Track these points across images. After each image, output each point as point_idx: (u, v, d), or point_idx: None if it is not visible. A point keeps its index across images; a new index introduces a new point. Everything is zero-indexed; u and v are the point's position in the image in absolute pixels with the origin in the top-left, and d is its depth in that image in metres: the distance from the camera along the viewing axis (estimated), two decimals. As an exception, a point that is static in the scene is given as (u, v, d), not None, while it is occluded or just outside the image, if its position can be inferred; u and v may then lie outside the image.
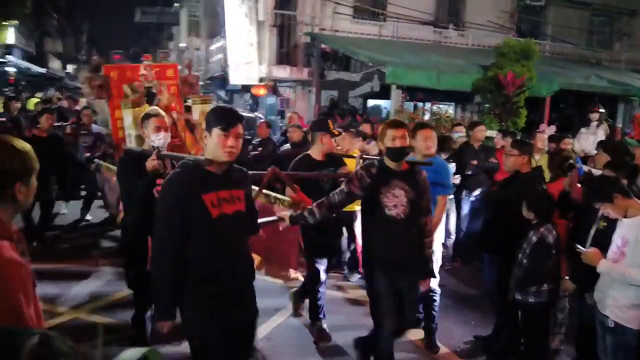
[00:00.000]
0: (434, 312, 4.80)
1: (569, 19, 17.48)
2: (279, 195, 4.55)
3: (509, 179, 4.78)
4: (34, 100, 15.48)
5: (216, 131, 2.73)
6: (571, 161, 5.22)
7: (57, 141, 7.35)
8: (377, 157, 4.32)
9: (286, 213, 3.89)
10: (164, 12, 29.31)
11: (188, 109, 6.43)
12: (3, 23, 19.28)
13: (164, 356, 1.08)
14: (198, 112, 5.82)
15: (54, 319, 4.75)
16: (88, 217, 8.22)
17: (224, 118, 2.80)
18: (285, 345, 4.66)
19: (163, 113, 4.13)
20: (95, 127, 8.42)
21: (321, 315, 4.85)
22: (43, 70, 26.45)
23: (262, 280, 5.00)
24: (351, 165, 5.17)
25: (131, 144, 5.17)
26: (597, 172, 4.97)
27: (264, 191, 4.46)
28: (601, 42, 18.58)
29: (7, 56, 20.94)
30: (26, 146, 1.90)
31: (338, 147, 7.07)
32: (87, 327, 4.59)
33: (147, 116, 4.08)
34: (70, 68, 42.36)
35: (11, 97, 13.10)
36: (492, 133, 9.39)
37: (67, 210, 8.45)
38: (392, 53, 12.52)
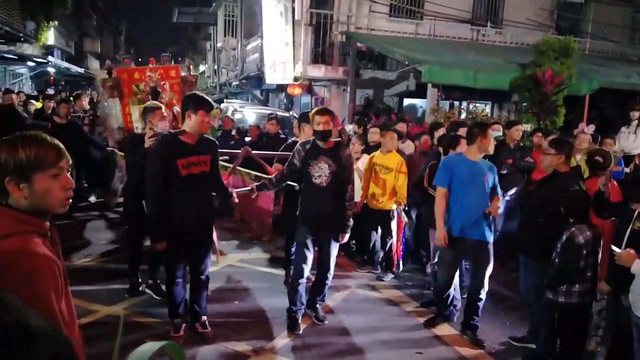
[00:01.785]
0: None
1: (610, 16, 17.07)
2: (258, 173, 6.15)
3: (546, 178, 4.74)
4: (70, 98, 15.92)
5: (201, 112, 4.09)
6: (608, 162, 5.13)
7: (76, 126, 8.63)
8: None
9: (254, 184, 5.15)
10: (201, 13, 29.65)
11: None
12: (45, 24, 19.79)
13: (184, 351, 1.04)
14: None
15: (88, 316, 4.79)
16: (91, 198, 9.38)
17: (207, 103, 4.17)
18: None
19: (162, 106, 5.28)
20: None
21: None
22: (82, 70, 27.09)
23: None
24: (389, 176, 6.29)
25: (137, 131, 6.51)
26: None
27: (247, 170, 6.38)
28: (643, 39, 18.10)
29: (47, 57, 21.54)
30: (55, 141, 1.83)
31: (373, 143, 7.13)
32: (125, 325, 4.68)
33: (152, 109, 5.10)
34: (96, 73, 43.32)
35: (47, 97, 13.54)
36: (527, 127, 9.29)
37: (94, 198, 9.41)
38: (429, 51, 12.46)
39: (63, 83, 26.19)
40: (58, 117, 8.56)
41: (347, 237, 4.91)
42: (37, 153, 1.78)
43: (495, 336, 5.02)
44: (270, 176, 5.35)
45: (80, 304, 4.85)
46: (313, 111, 4.82)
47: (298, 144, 5.01)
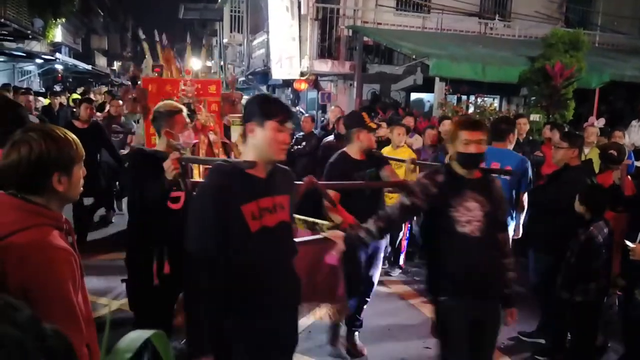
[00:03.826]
0: None
1: (620, 8, 16.87)
2: (317, 220, 3.84)
3: (557, 172, 4.67)
4: (75, 95, 15.93)
5: (272, 124, 2.35)
6: (621, 156, 5.07)
7: (99, 130, 7.04)
8: (429, 163, 4.22)
9: (338, 232, 3.24)
10: (207, 9, 29.61)
11: (226, 129, 6.24)
12: (52, 21, 19.84)
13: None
14: (237, 134, 5.00)
15: (97, 311, 4.74)
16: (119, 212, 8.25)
17: (281, 110, 2.44)
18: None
19: (183, 108, 3.66)
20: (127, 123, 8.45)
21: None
22: (89, 67, 27.19)
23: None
24: (399, 171, 5.12)
25: None
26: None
27: (298, 216, 3.76)
28: (654, 32, 17.89)
29: (55, 54, 21.60)
30: (68, 134, 1.90)
31: (381, 137, 7.07)
32: (129, 320, 4.70)
33: (172, 112, 3.51)
34: (115, 65, 43.43)
35: (54, 93, 13.58)
36: (535, 117, 9.20)
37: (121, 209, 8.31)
38: (436, 45, 12.36)
39: (71, 80, 26.30)
40: (78, 120, 7.05)
41: (515, 314, 3.38)
42: (76, 147, 1.91)
43: (504, 331, 4.96)
44: (363, 225, 3.24)
45: (89, 299, 4.84)
46: (455, 123, 3.32)
47: (421, 174, 3.32)
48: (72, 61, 24.52)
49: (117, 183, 8.29)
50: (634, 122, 8.98)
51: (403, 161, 4.81)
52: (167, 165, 3.11)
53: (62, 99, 13.93)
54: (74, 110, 9.06)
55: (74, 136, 1.93)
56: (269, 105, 2.46)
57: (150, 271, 3.46)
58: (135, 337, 1.06)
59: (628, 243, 3.54)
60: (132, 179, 3.54)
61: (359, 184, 4.16)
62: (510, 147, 4.97)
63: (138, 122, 7.40)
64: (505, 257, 3.21)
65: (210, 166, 3.13)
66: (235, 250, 2.37)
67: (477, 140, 3.02)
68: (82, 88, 19.22)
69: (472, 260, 3.02)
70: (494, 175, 3.48)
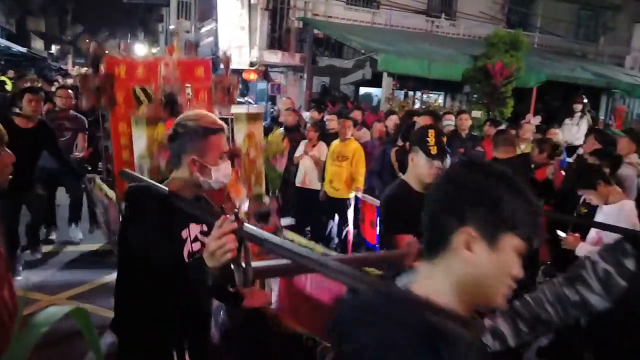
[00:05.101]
0: None
1: (558, 12, 17.71)
2: None
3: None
4: (2, 78, 14.73)
5: (513, 241, 1.13)
6: (561, 148, 5.44)
7: (48, 133, 5.42)
8: None
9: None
10: (153, -7, 28.98)
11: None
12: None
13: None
14: (242, 135, 3.83)
15: (30, 306, 4.63)
16: (79, 235, 6.58)
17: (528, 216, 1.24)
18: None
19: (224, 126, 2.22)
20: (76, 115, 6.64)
21: None
22: (24, 49, 26.04)
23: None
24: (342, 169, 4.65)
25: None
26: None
27: None
28: (587, 35, 18.86)
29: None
30: None
31: (331, 130, 7.25)
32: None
33: (207, 130, 2.13)
34: (54, 49, 41.72)
35: None
36: (476, 114, 9.63)
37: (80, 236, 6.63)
38: (385, 41, 12.66)
39: (3, 62, 25.05)
40: (21, 117, 5.19)
41: None
42: None
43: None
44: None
45: (22, 294, 4.63)
46: None
47: (595, 257, 2.06)
48: (4, 43, 23.39)
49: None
50: (567, 120, 9.49)
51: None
52: (216, 244, 1.59)
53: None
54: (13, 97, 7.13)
55: None
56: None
57: None
58: (53, 311, 0.95)
59: (560, 233, 3.83)
60: (134, 240, 2.05)
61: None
62: None
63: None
64: None
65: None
66: None
67: None
68: (13, 71, 17.80)
69: None
70: None
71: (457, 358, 1.06)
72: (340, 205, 6.62)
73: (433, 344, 1.05)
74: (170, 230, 2.05)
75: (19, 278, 5.21)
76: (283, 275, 2.27)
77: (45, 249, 6.17)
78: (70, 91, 6.80)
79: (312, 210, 6.80)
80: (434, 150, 2.90)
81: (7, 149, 1.86)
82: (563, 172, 5.25)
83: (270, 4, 14.74)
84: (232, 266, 1.58)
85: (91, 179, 5.02)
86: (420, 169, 2.96)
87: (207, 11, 20.39)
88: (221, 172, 2.15)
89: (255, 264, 1.62)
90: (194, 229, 2.15)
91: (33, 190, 5.34)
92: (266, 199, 3.39)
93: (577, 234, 3.72)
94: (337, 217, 6.71)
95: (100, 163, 5.06)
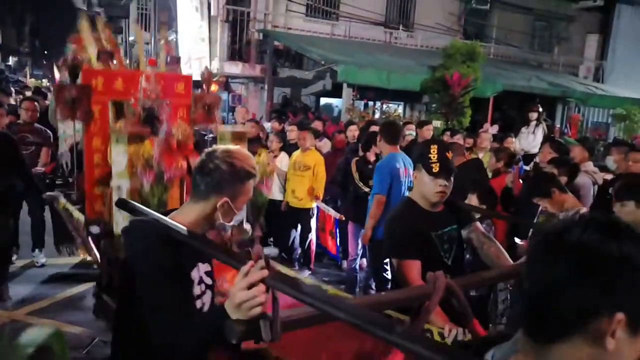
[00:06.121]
0: None
1: (513, 23, 18.13)
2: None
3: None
4: None
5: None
6: (518, 156, 5.55)
7: (9, 145, 5.19)
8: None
9: None
10: (112, 5, 28.55)
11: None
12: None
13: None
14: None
15: None
16: (42, 259, 6.27)
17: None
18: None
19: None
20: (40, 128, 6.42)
21: None
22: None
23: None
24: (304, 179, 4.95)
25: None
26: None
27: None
28: (542, 45, 19.36)
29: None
30: None
31: (292, 140, 7.24)
32: (22, 330, 4.49)
33: (251, 175, 2.00)
34: (11, 61, 40.73)
35: None
36: (436, 123, 9.75)
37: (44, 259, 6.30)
38: (344, 52, 12.74)
39: (-44, 77, 24.31)
40: None
41: None
42: None
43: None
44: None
45: None
46: None
47: None
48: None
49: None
50: (523, 129, 9.70)
51: None
52: (245, 295, 1.45)
53: None
54: None
55: None
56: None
57: None
58: (38, 333, 1.01)
59: (517, 241, 3.88)
60: (143, 285, 1.81)
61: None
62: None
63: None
64: None
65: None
66: None
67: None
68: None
69: None
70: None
71: None
72: (302, 215, 6.60)
73: None
74: (180, 272, 1.82)
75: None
76: (313, 325, 1.73)
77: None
78: (36, 103, 6.59)
79: (274, 220, 6.77)
80: (436, 168, 2.71)
81: None
82: (521, 181, 5.34)
83: (230, 15, 14.69)
84: (260, 320, 1.38)
85: (54, 198, 4.45)
86: (424, 187, 2.79)
87: (167, 23, 20.20)
88: (239, 216, 2.01)
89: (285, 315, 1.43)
90: (202, 268, 1.93)
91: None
92: (247, 226, 3.05)
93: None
94: (299, 227, 6.68)
95: (60, 179, 4.73)
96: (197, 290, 1.89)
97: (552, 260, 0.93)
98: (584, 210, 3.73)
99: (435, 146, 2.79)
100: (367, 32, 15.92)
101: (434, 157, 2.74)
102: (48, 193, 4.57)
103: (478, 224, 3.06)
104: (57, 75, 4.63)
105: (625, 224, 0.96)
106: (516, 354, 0.99)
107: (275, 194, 6.84)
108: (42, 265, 6.20)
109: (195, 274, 1.90)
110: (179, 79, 3.99)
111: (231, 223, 1.98)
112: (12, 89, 16.65)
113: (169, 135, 3.19)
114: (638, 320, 0.90)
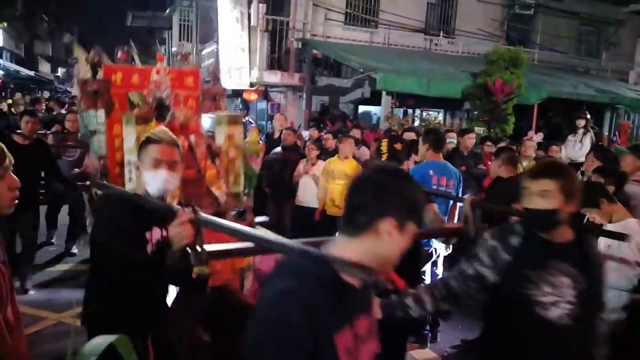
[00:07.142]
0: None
1: (558, 28, 17.68)
2: None
3: (490, 184, 4.88)
4: (10, 101, 15.13)
5: (412, 228, 1.56)
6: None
7: (43, 149, 5.98)
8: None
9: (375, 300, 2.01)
10: (155, 17, 29.22)
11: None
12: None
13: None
14: (223, 135, 4.20)
15: (37, 324, 4.74)
16: (74, 249, 7.04)
17: (422, 208, 1.64)
18: None
19: (174, 138, 2.66)
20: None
21: None
22: (32, 73, 26.34)
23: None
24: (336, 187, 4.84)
25: (130, 173, 3.72)
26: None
27: None
28: (589, 51, 18.82)
29: (-5, 58, 20.82)
30: None
31: (328, 148, 7.17)
32: (69, 332, 4.58)
33: (147, 141, 2.58)
34: (60, 71, 42.19)
35: None
36: (478, 130, 9.52)
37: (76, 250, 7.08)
38: (383, 59, 12.61)
39: (12, 86, 25.40)
40: (20, 135, 5.85)
41: None
42: None
43: (446, 339, 5.08)
44: (413, 291, 2.47)
45: (28, 311, 4.82)
46: (530, 173, 2.38)
47: (488, 233, 2.43)
48: (13, 67, 23.72)
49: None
50: (570, 137, 9.39)
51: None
52: (177, 231, 2.05)
53: (3, 106, 13.36)
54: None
55: None
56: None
57: None
58: (99, 341, 1.06)
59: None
60: (105, 241, 2.42)
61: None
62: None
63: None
64: (599, 347, 2.31)
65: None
66: None
67: (545, 192, 2.21)
68: (19, 94, 18.35)
69: (559, 358, 2.23)
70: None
71: (354, 298, 1.55)
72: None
73: (334, 290, 1.47)
74: (136, 231, 2.40)
75: (28, 294, 5.39)
76: (234, 257, 2.72)
77: (51, 268, 6.31)
78: (78, 115, 6.98)
79: (311, 228, 6.70)
80: (384, 157, 3.61)
81: (12, 174, 1.84)
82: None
83: (270, 25, 14.78)
84: (188, 249, 1.95)
85: (85, 186, 4.70)
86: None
87: (209, 33, 20.51)
88: (154, 180, 2.47)
89: (207, 247, 1.91)
90: (157, 233, 2.43)
91: (32, 209, 5.69)
92: (243, 198, 3.77)
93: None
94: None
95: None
96: (149, 248, 2.40)
97: (357, 189, 1.57)
98: (633, 221, 3.52)
99: (386, 140, 3.70)
100: (406, 39, 15.76)
101: (384, 148, 3.64)
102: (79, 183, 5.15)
103: (433, 205, 3.68)
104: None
105: (399, 169, 1.79)
106: (334, 244, 1.59)
107: (312, 201, 6.79)
108: (75, 255, 6.92)
109: (149, 235, 2.44)
110: (188, 74, 4.55)
111: (155, 188, 2.47)
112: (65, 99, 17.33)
113: (173, 118, 3.92)
114: (403, 223, 1.52)
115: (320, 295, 1.43)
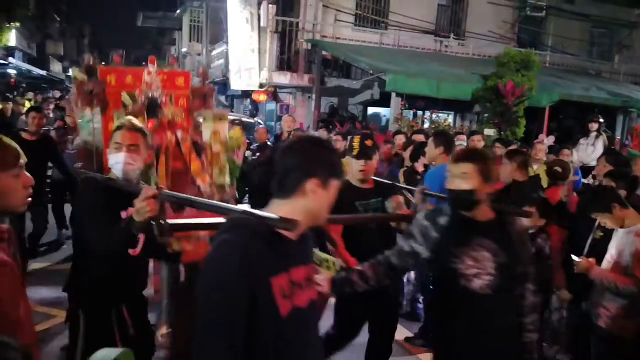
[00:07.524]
0: None
1: (570, 30, 17.54)
2: (329, 257, 3.14)
3: (505, 187, 4.80)
4: (23, 101, 15.35)
5: (335, 184, 1.82)
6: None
7: (50, 144, 6.42)
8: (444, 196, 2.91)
9: (326, 276, 2.58)
10: (166, 18, 29.36)
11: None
12: (6, 25, 19.32)
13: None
14: (209, 132, 4.47)
15: (48, 321, 4.74)
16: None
17: (340, 168, 1.88)
18: None
19: (137, 125, 2.98)
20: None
21: None
22: (44, 72, 26.54)
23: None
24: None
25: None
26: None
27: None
28: (601, 54, 18.66)
29: (8, 58, 20.98)
30: (9, 140, 1.83)
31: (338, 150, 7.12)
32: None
33: (114, 130, 2.96)
34: (71, 71, 42.50)
35: (5, 99, 13.10)
36: (489, 132, 9.43)
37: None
38: (393, 61, 12.56)
39: (25, 85, 25.63)
40: (27, 132, 6.22)
41: None
42: (6, 151, 1.78)
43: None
44: (358, 268, 2.76)
45: (39, 309, 4.81)
46: (453, 158, 2.63)
47: (419, 212, 2.92)
48: (26, 66, 23.91)
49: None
50: (582, 140, 9.28)
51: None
52: (142, 205, 2.34)
53: (17, 106, 13.44)
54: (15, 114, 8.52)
55: (7, 140, 1.82)
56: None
57: (112, 339, 2.76)
58: (105, 354, 1.09)
59: (574, 257, 3.64)
60: (83, 218, 2.77)
61: (359, 217, 3.58)
62: None
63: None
64: (525, 317, 2.60)
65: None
66: (262, 345, 1.69)
67: (464, 174, 2.47)
68: (31, 93, 18.61)
69: (482, 324, 2.50)
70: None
71: (289, 248, 1.77)
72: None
73: (269, 240, 1.70)
74: (112, 209, 2.68)
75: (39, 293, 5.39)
76: (195, 230, 2.87)
77: (62, 267, 6.24)
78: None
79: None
80: (355, 152, 3.63)
81: (25, 172, 1.85)
82: (576, 194, 5.05)
83: (280, 26, 14.78)
84: (152, 222, 2.23)
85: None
86: (352, 168, 3.68)
87: (219, 34, 20.58)
88: (114, 161, 2.78)
89: (171, 221, 2.19)
90: (131, 212, 2.54)
91: (40, 201, 5.99)
92: (228, 189, 4.11)
93: (591, 259, 3.53)
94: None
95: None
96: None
97: (285, 157, 1.78)
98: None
99: (358, 137, 3.74)
100: (416, 41, 15.69)
101: (356, 144, 3.65)
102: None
103: (399, 197, 3.77)
104: None
105: (319, 138, 2.20)
106: (271, 207, 1.79)
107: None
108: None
109: (124, 214, 2.67)
110: (179, 75, 4.85)
111: (115, 169, 2.79)
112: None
113: (162, 115, 4.20)
114: (325, 182, 1.76)
115: (256, 245, 1.67)
